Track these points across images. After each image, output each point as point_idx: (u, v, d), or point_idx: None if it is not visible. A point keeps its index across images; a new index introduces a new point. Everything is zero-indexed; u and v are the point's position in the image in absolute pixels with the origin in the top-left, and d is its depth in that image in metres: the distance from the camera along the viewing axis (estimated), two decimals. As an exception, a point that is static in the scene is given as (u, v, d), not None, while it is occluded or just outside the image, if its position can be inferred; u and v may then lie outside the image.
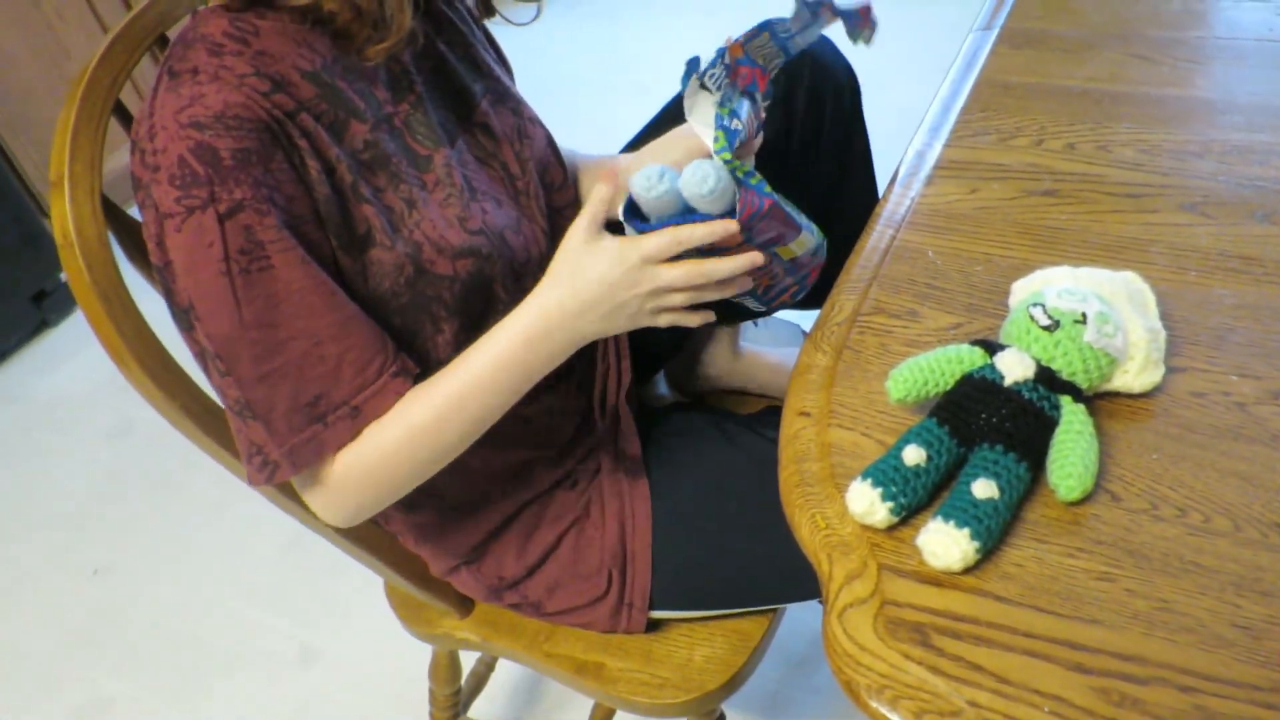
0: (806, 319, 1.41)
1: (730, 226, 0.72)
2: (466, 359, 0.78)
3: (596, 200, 0.76)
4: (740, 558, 0.92)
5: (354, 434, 0.75)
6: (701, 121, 0.77)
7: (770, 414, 1.14)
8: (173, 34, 0.91)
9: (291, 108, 0.73)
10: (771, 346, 1.28)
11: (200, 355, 0.73)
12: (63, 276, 2.38)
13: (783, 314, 1.32)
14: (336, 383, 0.73)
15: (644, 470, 0.95)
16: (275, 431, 0.73)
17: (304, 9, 0.74)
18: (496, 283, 0.84)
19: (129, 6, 2.61)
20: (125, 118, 0.87)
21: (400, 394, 0.76)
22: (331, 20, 0.74)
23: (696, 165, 0.71)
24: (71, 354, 2.33)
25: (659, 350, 1.09)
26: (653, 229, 0.74)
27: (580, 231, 0.76)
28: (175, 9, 0.90)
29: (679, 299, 0.76)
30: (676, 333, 1.10)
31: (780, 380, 1.20)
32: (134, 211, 0.81)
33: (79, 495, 1.99)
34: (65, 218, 0.78)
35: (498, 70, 0.94)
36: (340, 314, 0.73)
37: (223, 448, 0.83)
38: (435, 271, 0.79)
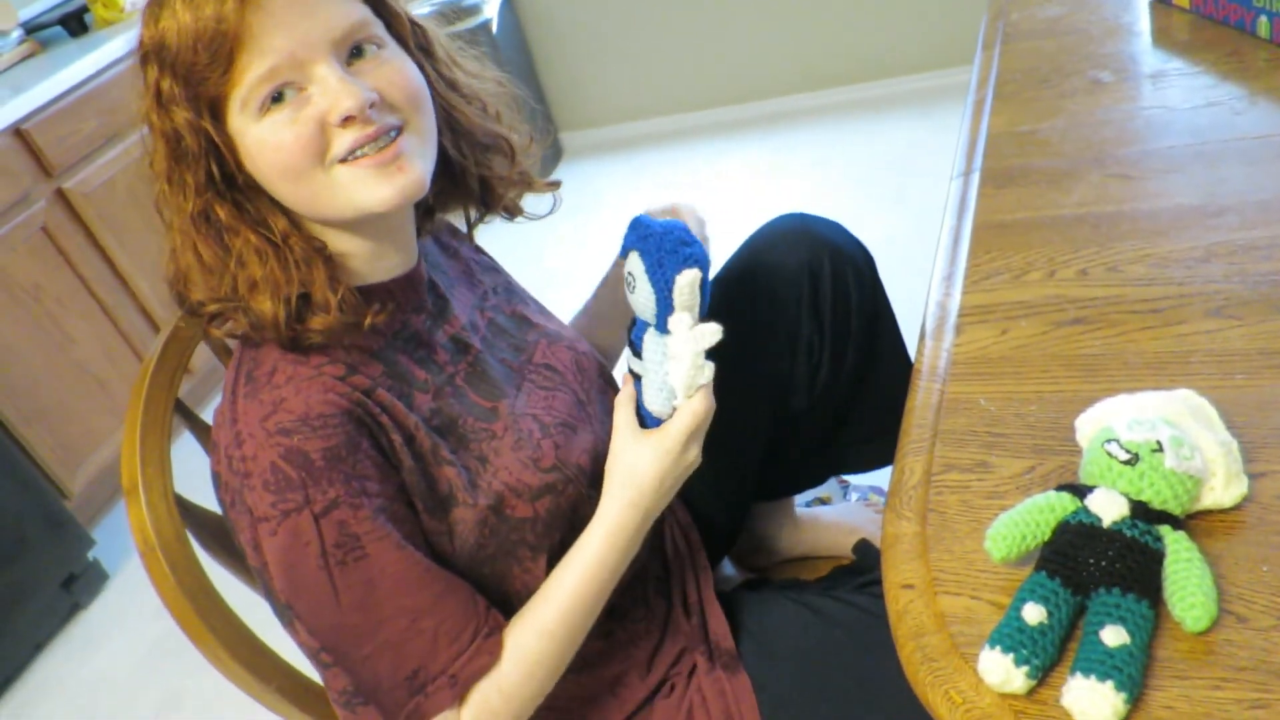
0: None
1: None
2: (560, 580, 0.82)
3: (623, 405, 0.84)
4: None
5: (454, 700, 0.76)
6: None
7: (840, 575, 1.13)
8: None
9: (368, 386, 0.76)
10: (816, 503, 1.29)
11: (304, 648, 0.74)
12: (91, 556, 2.38)
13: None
14: (434, 654, 0.75)
15: (740, 663, 0.94)
16: (384, 709, 0.75)
17: (289, 338, 0.74)
18: (582, 504, 0.87)
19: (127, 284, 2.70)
20: (182, 410, 0.90)
21: (493, 653, 0.77)
22: (311, 335, 0.75)
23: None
24: (109, 635, 2.29)
25: (724, 535, 1.09)
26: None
27: (620, 438, 0.83)
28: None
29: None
30: (738, 515, 1.10)
31: (842, 538, 1.20)
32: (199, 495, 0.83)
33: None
34: (144, 524, 0.79)
35: (534, 313, 0.99)
36: (434, 588, 0.75)
37: (321, 723, 0.82)
38: (516, 516, 0.81)
